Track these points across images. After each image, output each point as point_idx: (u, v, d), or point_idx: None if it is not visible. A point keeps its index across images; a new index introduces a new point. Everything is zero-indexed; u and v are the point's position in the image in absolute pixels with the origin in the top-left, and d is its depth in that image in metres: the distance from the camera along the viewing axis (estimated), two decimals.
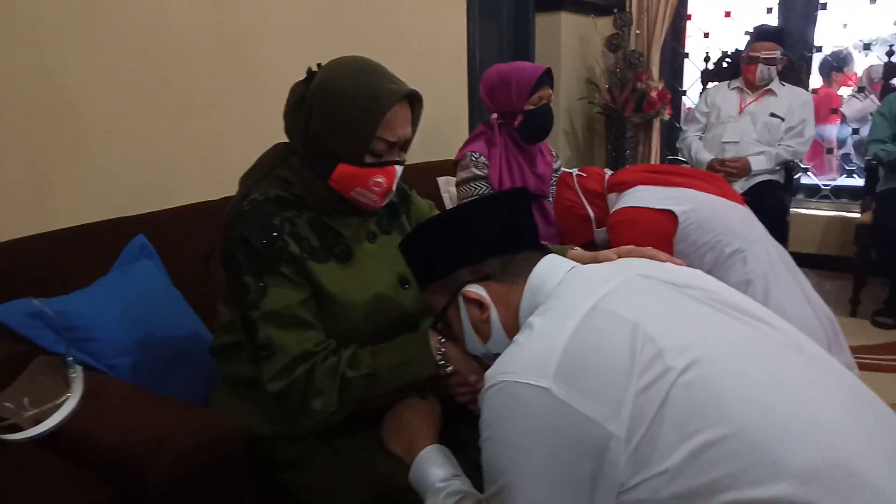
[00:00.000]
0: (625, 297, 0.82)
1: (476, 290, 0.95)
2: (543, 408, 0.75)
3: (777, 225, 2.92)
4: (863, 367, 2.40)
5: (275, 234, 1.03)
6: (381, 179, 1.07)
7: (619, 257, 1.06)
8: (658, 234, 1.65)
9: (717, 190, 1.73)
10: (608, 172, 1.89)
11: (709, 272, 1.60)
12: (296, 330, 1.02)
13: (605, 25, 3.87)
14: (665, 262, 1.01)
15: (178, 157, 1.85)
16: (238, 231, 1.02)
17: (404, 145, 1.11)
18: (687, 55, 4.07)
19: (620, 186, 1.78)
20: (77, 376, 1.10)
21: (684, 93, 4.16)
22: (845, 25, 3.60)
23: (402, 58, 2.61)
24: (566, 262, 0.95)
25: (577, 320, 0.79)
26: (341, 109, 1.03)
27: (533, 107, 1.96)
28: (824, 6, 3.54)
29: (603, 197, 1.83)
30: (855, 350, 2.52)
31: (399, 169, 1.11)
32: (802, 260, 3.53)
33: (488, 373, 0.82)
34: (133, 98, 1.72)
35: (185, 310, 1.46)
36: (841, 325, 2.77)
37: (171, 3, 1.78)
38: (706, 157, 3.12)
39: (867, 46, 3.70)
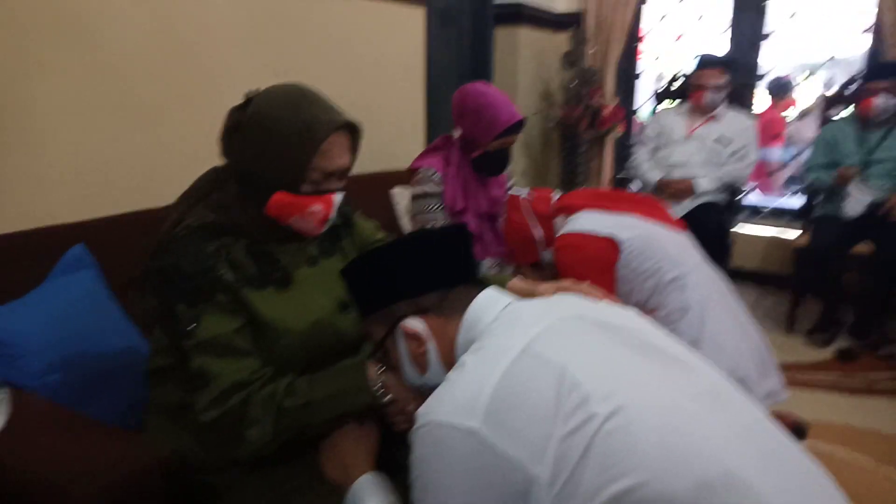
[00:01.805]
0: (554, 340, 0.84)
1: (414, 323, 0.95)
2: (470, 449, 0.76)
3: (719, 244, 3.01)
4: (795, 384, 2.50)
5: (209, 261, 1.01)
6: (318, 208, 1.07)
7: (558, 291, 1.08)
8: (601, 260, 1.67)
9: (659, 217, 1.77)
10: (556, 195, 1.91)
11: (649, 298, 1.67)
12: (231, 358, 1.01)
13: (562, 41, 3.92)
14: (600, 299, 1.03)
15: (121, 164, 1.79)
16: (171, 258, 1.00)
17: (343, 173, 1.10)
18: (639, 76, 4.16)
19: (566, 210, 1.81)
20: (3, 397, 1.05)
21: (636, 111, 4.25)
22: (786, 57, 3.72)
23: (357, 67, 2.60)
24: (502, 298, 0.96)
25: (508, 362, 0.80)
26: (276, 140, 1.02)
27: (494, 149, 1.96)
28: (768, 36, 3.66)
29: (550, 219, 1.85)
30: (788, 367, 2.63)
31: (338, 196, 1.10)
32: (745, 276, 3.69)
33: (419, 411, 0.82)
34: (74, 104, 1.66)
35: (122, 323, 1.42)
36: (777, 341, 2.90)
37: (117, 11, 1.73)
38: (654, 177, 3.20)
39: (807, 77, 3.85)
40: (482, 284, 1.00)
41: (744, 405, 0.87)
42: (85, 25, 1.66)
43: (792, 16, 3.63)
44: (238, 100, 1.10)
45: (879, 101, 2.86)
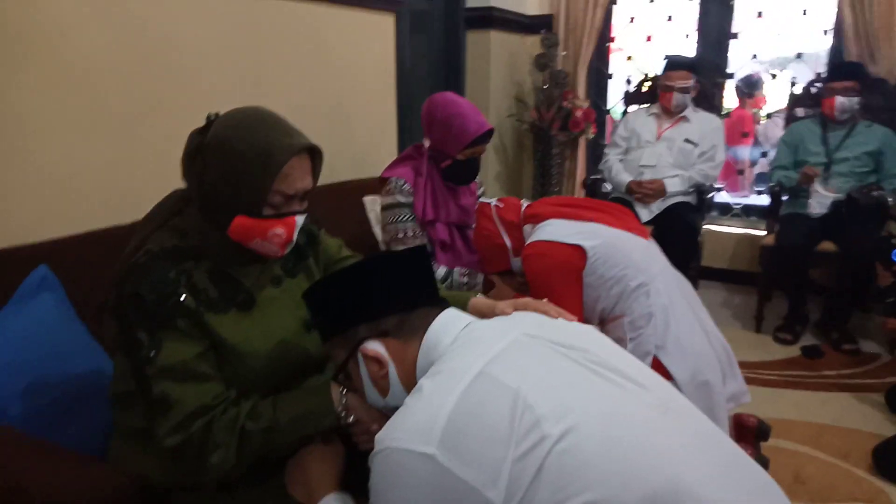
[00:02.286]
0: (510, 362, 0.86)
1: (374, 346, 0.97)
2: (426, 474, 0.78)
3: (688, 244, 3.07)
4: (761, 382, 2.55)
5: (169, 288, 1.01)
6: (280, 231, 1.07)
7: (516, 309, 1.10)
8: (568, 268, 1.70)
9: (624, 224, 1.79)
10: (524, 203, 1.93)
11: (615, 304, 1.69)
12: (192, 383, 1.01)
13: (533, 44, 3.95)
14: (556, 317, 1.05)
15: (88, 179, 1.76)
16: (131, 286, 1.00)
17: (304, 195, 1.11)
18: (611, 76, 4.20)
19: (534, 219, 1.83)
20: None
21: (608, 112, 4.29)
22: (755, 56, 3.78)
23: (329, 74, 2.59)
24: (461, 319, 0.98)
25: (463, 387, 0.82)
26: (235, 164, 1.02)
27: (463, 158, 1.97)
28: (735, 35, 3.72)
29: (519, 227, 1.87)
30: (755, 366, 2.69)
31: (300, 219, 1.11)
32: (714, 275, 3.75)
33: (378, 436, 0.84)
34: (36, 116, 1.62)
35: (89, 347, 1.41)
36: (746, 340, 2.96)
37: (80, 18, 1.69)
38: (625, 178, 3.24)
39: (773, 76, 3.92)
40: (442, 305, 1.01)
41: (695, 419, 0.90)
42: (45, 34, 1.61)
43: (759, 14, 3.68)
44: (213, 110, 1.10)
45: (841, 101, 2.92)
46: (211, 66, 2.08)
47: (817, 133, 3.07)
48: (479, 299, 1.21)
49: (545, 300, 1.12)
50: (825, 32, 3.47)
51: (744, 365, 2.64)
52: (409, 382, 0.95)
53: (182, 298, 1.02)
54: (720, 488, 0.78)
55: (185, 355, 1.01)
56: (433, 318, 0.97)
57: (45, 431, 1.21)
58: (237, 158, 1.03)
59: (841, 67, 3.08)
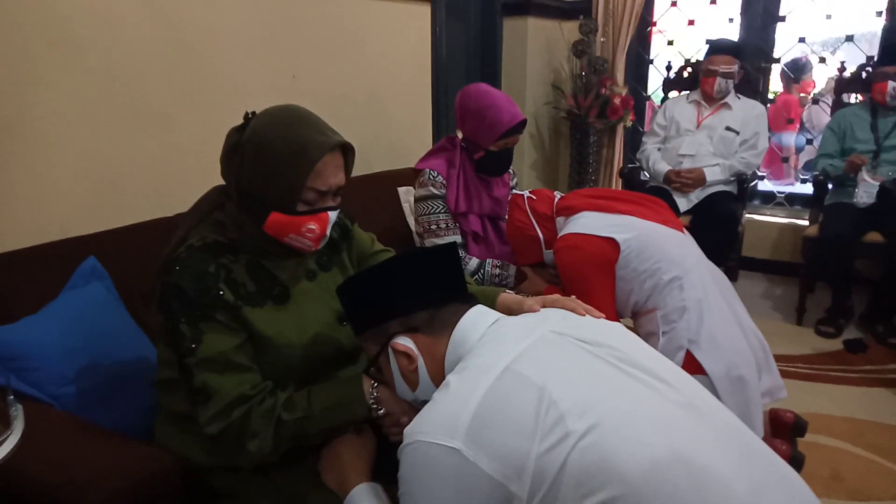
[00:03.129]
0: (536, 359, 0.87)
1: (404, 342, 0.99)
2: (453, 467, 0.80)
3: (728, 234, 3.01)
4: (801, 376, 2.51)
5: (209, 282, 1.05)
6: (313, 226, 1.10)
7: (544, 306, 1.11)
8: (600, 261, 1.69)
9: (659, 217, 1.78)
10: (557, 195, 1.93)
11: (648, 298, 1.69)
12: (232, 374, 1.05)
13: (571, 30, 3.90)
14: (584, 314, 1.06)
15: (129, 173, 1.83)
16: (174, 279, 1.04)
17: (337, 191, 1.14)
18: (652, 61, 4.12)
19: (567, 211, 1.83)
20: (18, 414, 1.11)
21: (648, 98, 4.22)
22: (802, 39, 3.66)
23: (362, 65, 2.62)
24: (489, 316, 1.00)
25: (490, 382, 0.84)
26: (270, 161, 1.05)
27: (496, 149, 1.97)
28: (783, 18, 3.61)
29: (552, 220, 1.87)
30: (795, 359, 2.64)
31: (333, 214, 1.14)
32: (755, 265, 3.68)
33: (407, 429, 0.87)
34: (81, 111, 1.68)
35: (134, 333, 1.47)
36: (787, 333, 2.91)
37: (120, 11, 1.74)
38: (663, 168, 3.19)
39: (822, 60, 3.79)
40: (471, 302, 1.03)
41: (722, 417, 0.90)
42: (87, 31, 1.67)
43: None
44: (250, 104, 1.13)
45: (893, 86, 2.82)
46: (250, 58, 2.12)
47: (866, 120, 2.97)
48: (508, 295, 1.22)
49: (573, 297, 1.12)
50: (878, 14, 3.34)
51: (783, 358, 2.63)
52: (438, 377, 0.98)
53: (221, 293, 1.06)
54: (752, 485, 0.78)
55: (225, 347, 1.05)
56: (462, 315, 0.99)
57: (93, 413, 1.28)
58: (272, 155, 1.06)
59: (893, 50, 2.96)
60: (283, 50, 2.25)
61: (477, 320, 0.98)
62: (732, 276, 3.48)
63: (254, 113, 1.13)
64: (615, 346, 0.93)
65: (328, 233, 1.14)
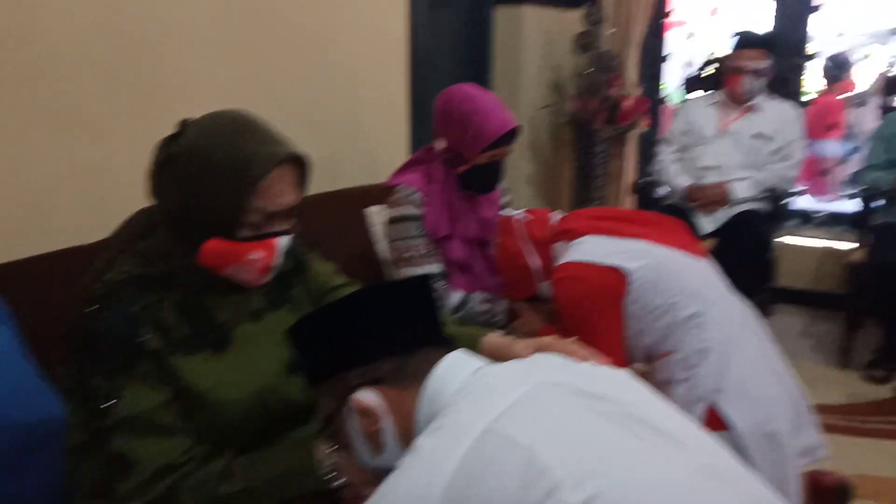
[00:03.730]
0: (524, 415, 0.87)
1: (367, 396, 0.98)
2: None
3: (760, 261, 3.04)
4: (847, 430, 2.51)
5: (131, 325, 1.04)
6: (259, 255, 1.10)
7: (537, 350, 1.11)
8: (606, 295, 1.70)
9: (676, 241, 1.79)
10: (556, 216, 1.94)
11: (663, 339, 1.69)
12: (156, 438, 1.04)
13: (574, 21, 3.95)
14: (584, 360, 1.05)
15: (55, 190, 1.79)
16: (87, 322, 1.03)
17: (289, 212, 1.13)
18: (668, 57, 4.19)
19: (567, 235, 1.83)
20: None
21: (664, 100, 4.28)
22: (841, 33, 3.74)
23: (332, 65, 2.63)
24: (469, 363, 0.99)
25: (467, 446, 0.83)
26: (207, 177, 1.05)
27: (484, 162, 1.98)
28: (817, 8, 3.68)
29: (549, 245, 1.88)
30: (840, 410, 2.65)
31: (283, 240, 1.13)
32: (793, 297, 3.70)
33: (369, 502, 0.86)
34: None
35: (43, 390, 1.44)
36: (829, 377, 2.92)
37: (51, 2, 1.74)
38: (683, 182, 3.23)
39: (866, 56, 3.88)
40: (448, 346, 1.03)
41: (747, 487, 0.90)
42: (1, 20, 1.67)
43: None
44: (202, 108, 1.13)
45: None
46: (205, 56, 2.12)
47: None
48: (494, 337, 1.22)
49: (572, 339, 1.12)
50: None
51: (825, 409, 2.63)
52: (408, 438, 0.96)
53: (145, 338, 1.05)
54: None
55: (148, 405, 1.04)
56: (436, 363, 0.99)
57: None
58: (210, 171, 1.06)
59: None
60: (243, 47, 2.25)
61: (454, 369, 0.98)
62: (766, 311, 3.50)
63: (189, 120, 1.13)
64: (621, 398, 0.92)
65: (277, 263, 1.14)
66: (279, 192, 1.10)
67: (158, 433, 1.04)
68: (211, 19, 2.14)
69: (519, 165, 4.02)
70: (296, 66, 2.49)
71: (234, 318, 1.17)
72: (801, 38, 3.73)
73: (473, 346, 1.21)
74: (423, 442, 0.87)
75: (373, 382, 0.99)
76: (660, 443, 0.87)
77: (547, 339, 1.13)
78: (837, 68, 4.52)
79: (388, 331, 1.00)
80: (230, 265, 1.10)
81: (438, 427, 0.89)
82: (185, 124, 1.13)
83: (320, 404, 1.05)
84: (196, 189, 1.07)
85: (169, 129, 1.15)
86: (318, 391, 1.04)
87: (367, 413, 0.98)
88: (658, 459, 0.85)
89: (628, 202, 3.98)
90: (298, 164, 1.14)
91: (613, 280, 1.70)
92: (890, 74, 3.34)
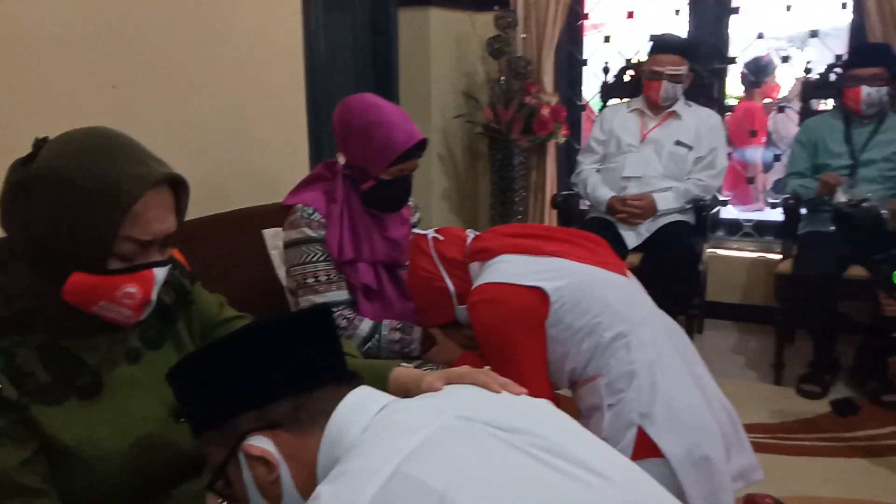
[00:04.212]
0: (435, 456, 0.86)
1: (260, 443, 0.96)
2: None
3: (687, 274, 3.15)
4: (783, 449, 2.62)
5: None
6: (133, 289, 1.07)
7: (449, 382, 1.10)
8: (526, 318, 1.71)
9: (597, 258, 1.83)
10: (470, 235, 1.95)
11: (588, 362, 1.73)
12: (17, 501, 0.99)
13: (485, 24, 4.03)
14: (500, 390, 1.06)
15: None
16: None
17: (166, 240, 1.11)
18: (586, 62, 4.31)
19: (483, 254, 1.85)
20: None
21: (584, 108, 4.40)
22: (761, 35, 3.94)
23: (216, 68, 2.59)
24: (375, 401, 0.98)
25: (373, 493, 0.82)
26: (70, 202, 1.02)
27: (389, 178, 1.99)
28: (736, 10, 3.87)
29: (464, 266, 1.89)
30: (775, 428, 2.76)
31: (160, 272, 1.11)
32: (723, 311, 3.85)
33: None
34: None
35: None
36: (763, 394, 3.04)
37: None
38: (605, 194, 3.32)
39: (785, 59, 4.10)
40: (352, 382, 1.01)
41: None
42: None
43: None
44: (60, 124, 1.09)
45: (867, 92, 3.06)
46: (69, 63, 2.05)
47: (839, 130, 3.22)
48: (404, 370, 1.22)
49: (486, 369, 1.13)
50: (843, 6, 3.65)
51: (760, 428, 2.74)
52: (310, 487, 0.94)
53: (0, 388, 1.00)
54: None
55: (6, 464, 0.99)
56: (339, 401, 0.97)
57: None
58: (73, 196, 1.03)
59: (865, 51, 3.24)
60: (113, 51, 2.19)
61: (358, 407, 0.97)
62: (697, 327, 3.64)
63: (45, 139, 1.09)
64: (537, 431, 0.93)
65: (154, 297, 1.11)
66: (154, 218, 1.07)
67: (19, 496, 1.00)
68: (73, 22, 2.08)
69: (432, 180, 4.05)
70: (177, 75, 2.44)
71: (106, 360, 1.13)
72: (720, 43, 3.91)
73: (383, 380, 1.20)
74: (324, 490, 0.85)
75: (267, 427, 0.96)
76: (580, 475, 0.88)
77: (458, 370, 1.13)
78: (758, 73, 4.77)
79: (282, 369, 0.98)
80: (100, 302, 1.06)
81: (341, 473, 0.87)
82: (40, 143, 1.09)
83: (207, 454, 1.02)
84: (57, 217, 1.03)
85: (21, 149, 1.11)
86: (205, 440, 1.01)
87: (262, 462, 0.96)
88: (579, 495, 0.86)
89: (551, 216, 4.05)
90: (175, 187, 1.11)
91: (534, 301, 1.72)
92: (809, 78, 3.52)
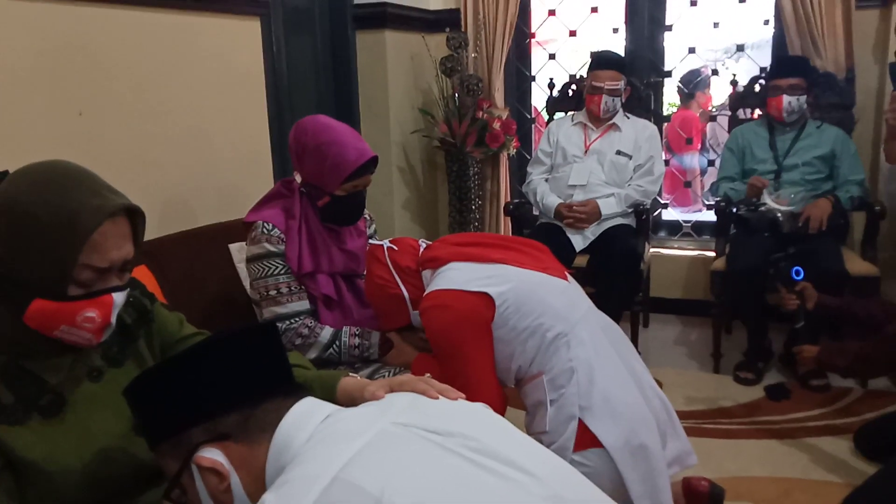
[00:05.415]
0: (372, 461, 0.87)
1: (211, 454, 0.96)
2: None
3: (631, 273, 3.18)
4: (722, 433, 2.65)
5: None
6: (93, 314, 1.06)
7: (391, 390, 1.11)
8: (474, 321, 1.73)
9: (538, 264, 1.85)
10: (423, 244, 1.96)
11: (532, 361, 1.74)
12: None
13: (438, 45, 4.03)
14: (437, 396, 1.07)
15: None
16: None
17: (124, 266, 1.10)
18: (535, 78, 4.34)
19: (433, 263, 1.85)
20: None
21: (534, 120, 4.43)
22: (692, 50, 4.00)
23: (180, 92, 2.57)
24: (320, 410, 0.98)
25: (313, 500, 0.82)
26: (30, 233, 1.02)
27: (343, 194, 1.99)
28: (670, 27, 3.93)
29: (417, 274, 1.90)
30: (714, 414, 2.80)
31: (119, 296, 1.10)
32: (666, 306, 3.90)
33: None
34: None
35: None
36: (703, 383, 3.08)
37: None
38: (553, 201, 3.35)
39: (715, 72, 4.16)
40: (298, 394, 1.01)
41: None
42: None
43: (692, 2, 3.89)
44: (26, 155, 1.06)
45: (788, 100, 3.12)
46: (29, 90, 2.01)
47: (764, 137, 3.28)
48: (350, 380, 1.22)
49: (426, 376, 1.13)
50: (765, 22, 3.72)
51: (701, 414, 2.78)
52: (259, 494, 0.94)
53: None
54: None
55: None
56: (285, 412, 0.97)
57: None
58: (32, 227, 1.02)
59: (785, 62, 3.30)
60: (74, 79, 2.15)
61: (304, 418, 0.97)
62: (643, 321, 3.67)
63: (6, 172, 1.08)
64: (469, 433, 0.94)
65: (114, 320, 1.10)
66: (111, 246, 1.07)
67: None
68: (39, 50, 2.04)
69: (394, 191, 4.05)
70: (140, 102, 2.41)
71: (68, 380, 1.13)
72: (656, 58, 3.96)
73: (331, 390, 1.20)
74: (269, 498, 0.85)
75: (217, 439, 0.96)
76: (508, 473, 0.89)
77: (400, 378, 1.14)
78: (692, 85, 4.84)
79: (230, 383, 0.98)
80: (60, 326, 1.05)
81: (285, 481, 0.87)
82: (0, 177, 1.07)
83: (162, 466, 1.01)
84: (17, 248, 1.03)
85: None
86: (160, 452, 1.01)
87: (213, 472, 0.95)
88: (507, 491, 0.87)
89: (505, 223, 4.08)
90: (132, 216, 1.10)
91: (480, 306, 1.74)
92: (736, 89, 3.58)
